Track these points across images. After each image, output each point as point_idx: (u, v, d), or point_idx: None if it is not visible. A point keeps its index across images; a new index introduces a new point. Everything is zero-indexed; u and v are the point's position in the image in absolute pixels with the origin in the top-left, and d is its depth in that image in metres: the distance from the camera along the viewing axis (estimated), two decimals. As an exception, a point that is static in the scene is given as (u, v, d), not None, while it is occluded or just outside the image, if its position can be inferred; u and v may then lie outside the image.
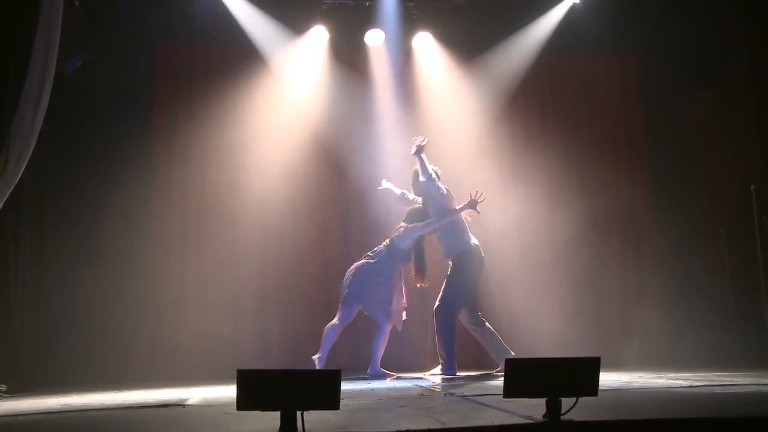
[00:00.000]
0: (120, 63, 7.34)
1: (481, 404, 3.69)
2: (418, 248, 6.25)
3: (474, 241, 6.18)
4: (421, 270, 6.26)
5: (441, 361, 6.09)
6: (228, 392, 4.69)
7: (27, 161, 4.74)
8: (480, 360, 6.87)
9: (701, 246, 7.66)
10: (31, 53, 4.45)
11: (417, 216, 6.25)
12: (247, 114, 7.52)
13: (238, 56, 7.62)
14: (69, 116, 6.92)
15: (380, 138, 7.63)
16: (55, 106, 5.41)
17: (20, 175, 4.71)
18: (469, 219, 6.25)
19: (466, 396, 4.16)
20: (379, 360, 6.14)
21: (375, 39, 7.78)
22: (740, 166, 7.57)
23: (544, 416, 2.88)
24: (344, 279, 6.25)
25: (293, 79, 7.69)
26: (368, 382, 5.65)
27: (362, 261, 6.26)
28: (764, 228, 6.56)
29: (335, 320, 6.17)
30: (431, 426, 2.84)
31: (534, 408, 3.02)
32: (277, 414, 2.71)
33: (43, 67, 4.62)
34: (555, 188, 7.73)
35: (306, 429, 2.70)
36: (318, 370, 2.85)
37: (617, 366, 6.58)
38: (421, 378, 5.97)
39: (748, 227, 6.74)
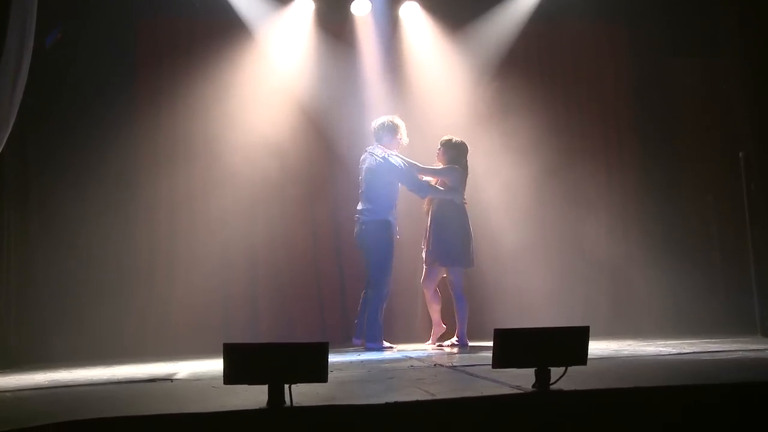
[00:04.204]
0: (101, 36, 7.18)
1: (471, 375, 3.69)
2: None
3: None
4: None
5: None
6: (216, 366, 4.64)
7: (7, 137, 4.66)
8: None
9: (689, 214, 7.69)
10: (7, 26, 4.34)
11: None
12: (232, 87, 7.42)
13: (223, 28, 7.49)
14: (50, 92, 6.80)
15: (367, 108, 7.55)
16: (36, 81, 5.32)
17: (0, 150, 4.63)
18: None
19: (455, 367, 4.17)
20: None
21: (361, 9, 7.68)
22: (728, 134, 7.56)
23: (533, 386, 2.88)
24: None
25: (278, 50, 7.59)
26: (358, 354, 5.65)
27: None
28: (752, 196, 6.55)
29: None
30: (420, 397, 2.83)
31: (523, 378, 3.02)
32: (266, 387, 2.70)
33: (20, 41, 4.51)
34: (543, 157, 7.67)
35: (294, 401, 2.68)
36: (304, 343, 2.83)
37: (606, 335, 6.61)
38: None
39: (736, 195, 6.74)
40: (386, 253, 6.00)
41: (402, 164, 6.09)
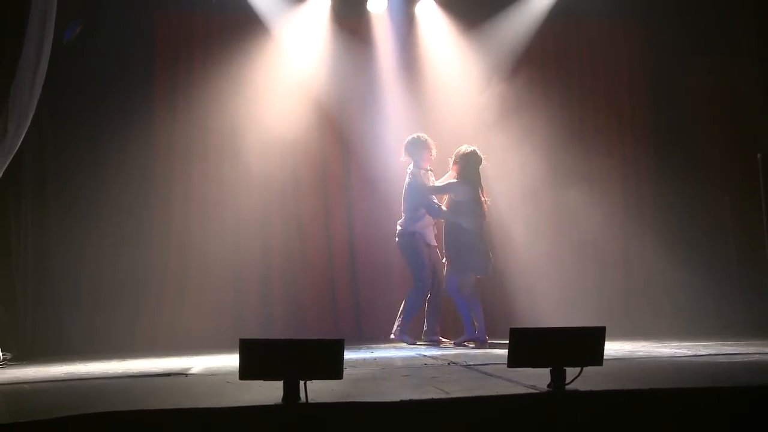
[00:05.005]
0: (119, 30, 7.21)
1: (485, 374, 3.68)
2: None
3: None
4: None
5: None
6: (231, 362, 4.68)
7: (26, 129, 4.69)
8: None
9: (705, 215, 7.63)
10: (27, 20, 4.37)
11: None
12: (248, 82, 7.43)
13: (239, 23, 7.49)
14: (68, 85, 6.84)
15: (383, 106, 7.55)
16: (55, 74, 5.34)
17: (20, 143, 4.67)
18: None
19: (470, 365, 4.16)
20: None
21: (377, 6, 7.67)
22: (746, 134, 7.51)
23: (548, 386, 2.87)
24: None
25: (295, 47, 7.59)
26: (371, 351, 5.65)
27: None
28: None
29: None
30: (435, 396, 2.83)
31: (538, 378, 3.00)
32: (280, 383, 2.70)
33: (40, 35, 4.55)
34: (559, 156, 7.65)
35: (309, 398, 2.68)
36: (320, 339, 2.83)
37: (621, 336, 6.57)
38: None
39: (753, 196, 6.69)
40: (413, 262, 6.33)
41: (422, 188, 6.28)
